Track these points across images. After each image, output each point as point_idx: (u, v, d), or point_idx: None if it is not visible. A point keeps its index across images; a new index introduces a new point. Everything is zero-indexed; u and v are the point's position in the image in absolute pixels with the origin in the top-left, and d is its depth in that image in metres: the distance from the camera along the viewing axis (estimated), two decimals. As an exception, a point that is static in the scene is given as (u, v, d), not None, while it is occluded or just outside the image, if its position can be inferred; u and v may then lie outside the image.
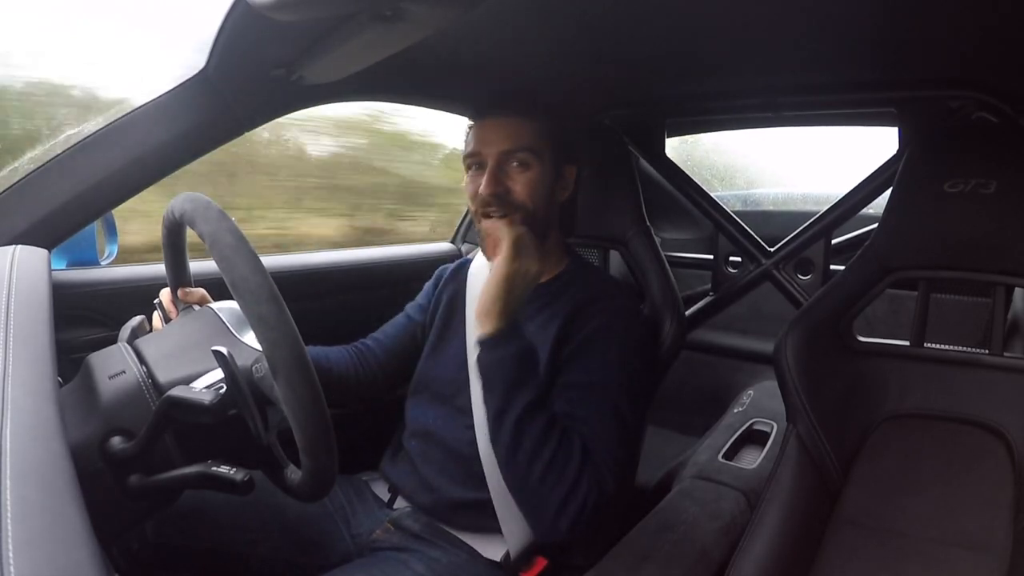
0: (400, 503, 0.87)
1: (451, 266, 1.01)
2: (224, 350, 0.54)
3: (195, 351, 0.59)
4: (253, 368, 0.57)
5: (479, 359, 0.72)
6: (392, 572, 0.75)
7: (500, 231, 0.75)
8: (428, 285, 1.02)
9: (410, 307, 1.01)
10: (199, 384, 0.56)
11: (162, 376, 0.57)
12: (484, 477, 0.78)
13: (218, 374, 0.56)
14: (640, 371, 0.81)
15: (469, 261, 0.98)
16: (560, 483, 0.68)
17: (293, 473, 0.57)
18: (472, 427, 0.82)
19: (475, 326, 0.73)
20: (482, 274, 0.93)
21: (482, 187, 0.80)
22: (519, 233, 0.74)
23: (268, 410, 0.57)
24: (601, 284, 0.86)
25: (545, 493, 0.69)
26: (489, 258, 0.83)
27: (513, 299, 0.71)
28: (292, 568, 0.80)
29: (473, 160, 0.83)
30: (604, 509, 0.71)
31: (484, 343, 0.71)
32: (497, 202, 0.80)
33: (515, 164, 0.81)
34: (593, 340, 0.78)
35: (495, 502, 0.78)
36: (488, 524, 0.79)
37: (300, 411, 0.50)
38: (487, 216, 0.81)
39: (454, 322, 0.93)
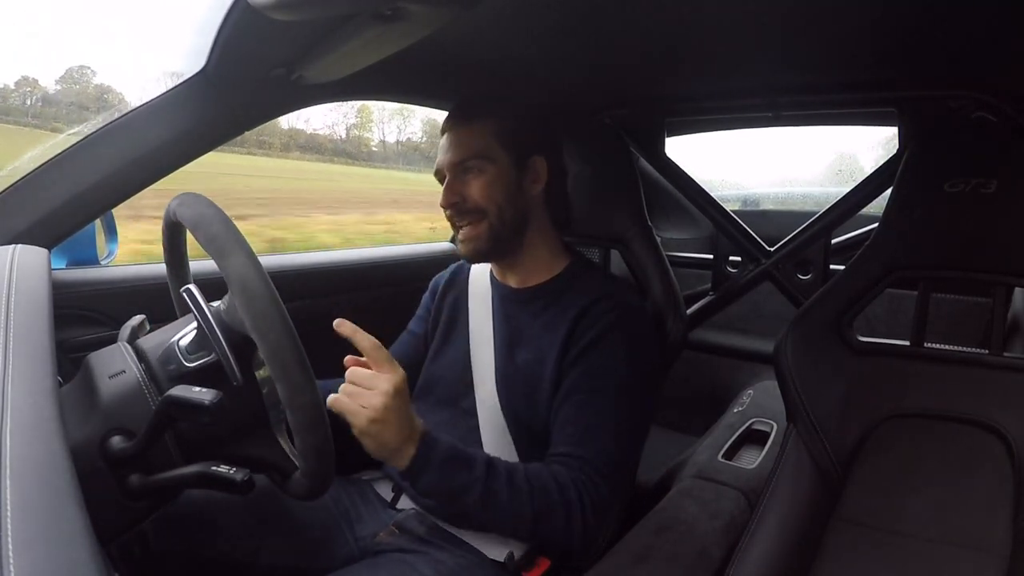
0: (404, 503, 0.87)
1: (445, 274, 1.02)
2: (192, 287, 0.55)
3: (179, 322, 0.61)
4: (221, 303, 0.58)
5: (412, 492, 0.72)
6: (398, 574, 0.75)
7: (334, 406, 0.66)
8: (425, 297, 1.03)
9: (411, 323, 1.03)
10: (175, 337, 0.57)
11: (145, 344, 0.58)
12: None
13: (193, 324, 0.57)
14: (647, 368, 0.82)
15: (466, 264, 0.99)
16: (554, 523, 0.70)
17: (294, 471, 0.57)
18: (478, 428, 0.82)
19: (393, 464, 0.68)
20: (484, 273, 0.94)
21: (440, 200, 0.84)
22: (346, 388, 0.66)
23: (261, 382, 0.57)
24: (605, 283, 0.86)
25: (544, 535, 0.72)
26: (464, 258, 0.87)
27: (393, 429, 0.64)
28: (296, 574, 0.80)
29: (439, 176, 0.87)
30: (608, 507, 0.74)
31: (405, 479, 0.69)
32: (456, 212, 0.84)
33: (469, 172, 0.83)
34: (599, 341, 0.78)
35: None
36: None
37: (257, 316, 0.49)
38: (458, 227, 0.85)
39: (458, 324, 0.93)
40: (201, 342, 0.56)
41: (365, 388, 0.64)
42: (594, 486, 0.72)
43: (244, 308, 0.50)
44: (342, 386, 0.66)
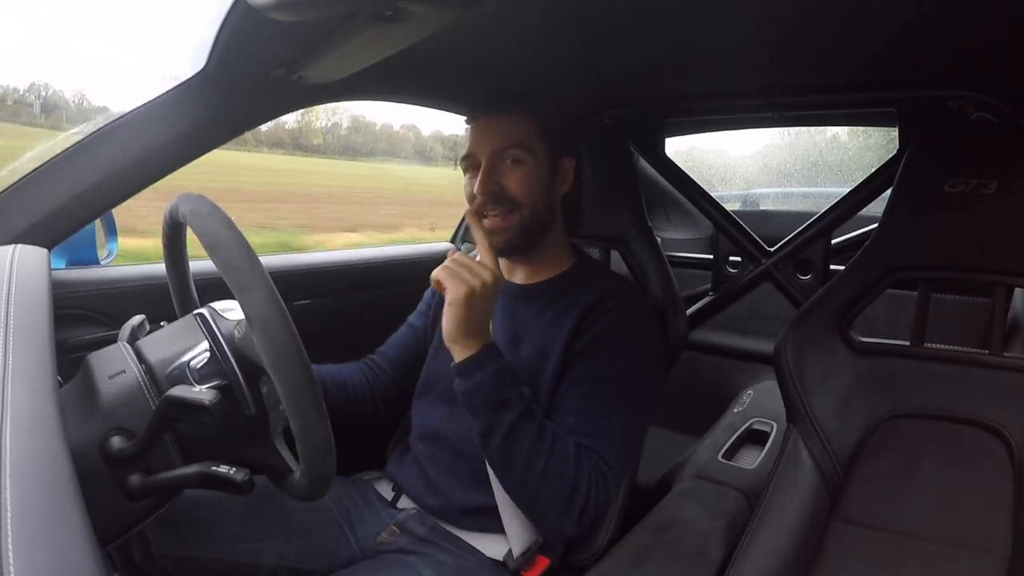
0: (404, 502, 0.87)
1: None
2: (205, 311, 0.55)
3: (185, 333, 0.60)
4: (235, 330, 0.57)
5: (457, 387, 0.72)
6: (400, 575, 0.75)
7: (438, 272, 0.72)
8: (427, 293, 1.03)
9: (411, 316, 1.02)
10: (186, 358, 0.57)
11: (152, 356, 0.57)
12: (491, 479, 0.78)
13: (204, 345, 0.56)
14: (651, 368, 0.82)
15: None
16: (558, 490, 0.69)
17: (295, 472, 0.57)
18: None
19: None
20: None
21: (476, 187, 0.81)
22: (456, 261, 0.72)
23: (262, 382, 0.57)
24: (611, 281, 0.87)
25: (544, 501, 0.70)
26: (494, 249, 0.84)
27: (476, 318, 0.69)
28: None
29: (468, 162, 0.84)
30: (608, 503, 0.73)
31: (459, 370, 0.70)
32: (492, 200, 0.81)
33: (508, 161, 0.81)
34: (605, 336, 0.78)
35: (499, 504, 0.78)
36: (492, 525, 0.79)
37: (277, 358, 0.49)
38: (485, 217, 0.81)
39: None
40: (214, 368, 0.56)
41: (470, 269, 0.69)
42: (601, 475, 0.72)
43: (264, 348, 0.49)
44: (450, 258, 0.71)
